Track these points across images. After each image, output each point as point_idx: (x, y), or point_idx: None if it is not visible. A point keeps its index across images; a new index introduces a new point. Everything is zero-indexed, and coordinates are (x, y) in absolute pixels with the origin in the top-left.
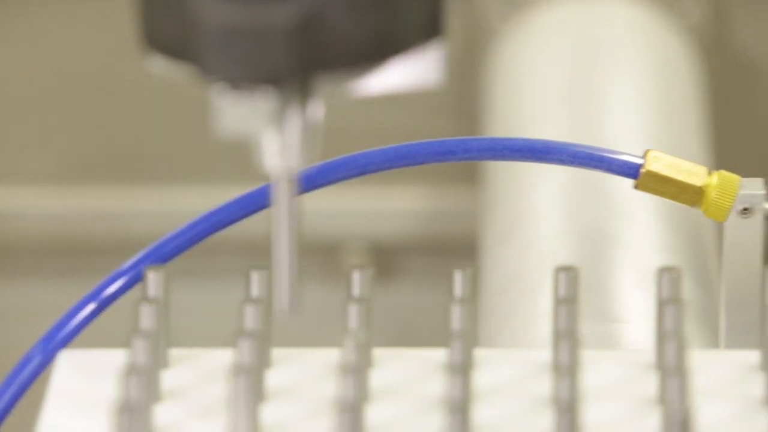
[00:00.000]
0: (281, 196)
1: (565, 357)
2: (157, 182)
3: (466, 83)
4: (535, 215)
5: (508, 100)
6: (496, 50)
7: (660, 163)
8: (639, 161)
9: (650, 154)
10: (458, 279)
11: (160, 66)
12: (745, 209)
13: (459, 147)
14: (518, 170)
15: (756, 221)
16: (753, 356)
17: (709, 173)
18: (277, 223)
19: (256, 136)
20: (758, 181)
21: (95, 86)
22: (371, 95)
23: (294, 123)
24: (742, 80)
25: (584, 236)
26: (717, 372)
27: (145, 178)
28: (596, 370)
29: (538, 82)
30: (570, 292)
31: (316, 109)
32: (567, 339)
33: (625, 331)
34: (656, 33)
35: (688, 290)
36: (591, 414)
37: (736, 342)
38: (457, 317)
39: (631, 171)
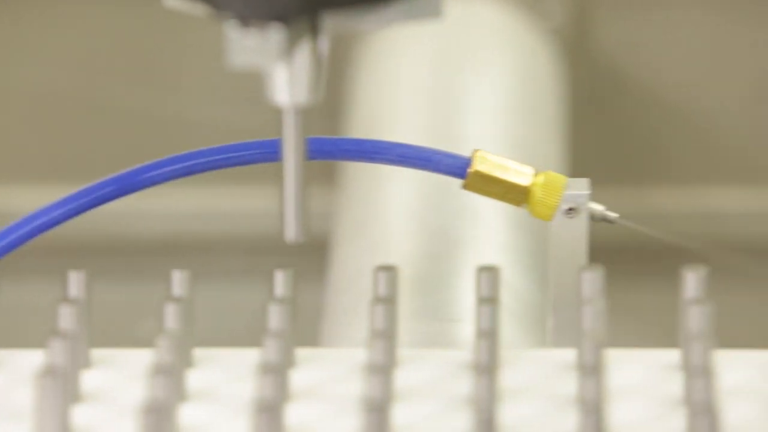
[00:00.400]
0: (289, 128)
1: (379, 356)
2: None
3: (332, 82)
4: (385, 215)
5: (369, 101)
6: (361, 50)
7: (487, 164)
8: (466, 162)
9: (477, 155)
10: (279, 279)
11: (175, 2)
12: (571, 209)
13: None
14: (373, 170)
15: (581, 221)
16: (570, 354)
17: (536, 173)
18: (286, 154)
19: (266, 69)
20: (584, 182)
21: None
22: (375, 30)
23: (302, 58)
24: (605, 81)
25: (431, 236)
26: (529, 371)
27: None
28: (412, 370)
29: (400, 83)
30: (390, 291)
31: (324, 45)
32: (382, 339)
33: (460, 330)
34: (518, 34)
35: (528, 291)
36: (402, 414)
37: (563, 341)
38: (275, 317)
39: (458, 171)
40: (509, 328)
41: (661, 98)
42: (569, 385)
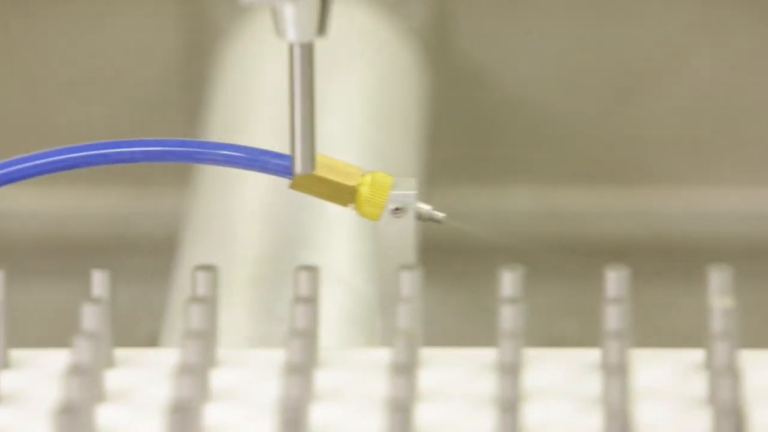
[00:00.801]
0: (297, 63)
1: (193, 356)
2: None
3: (194, 82)
4: (236, 215)
5: (228, 101)
6: (223, 50)
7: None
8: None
9: None
10: (96, 279)
11: None
12: (397, 209)
13: (113, 150)
14: (224, 169)
15: (408, 221)
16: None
17: (364, 173)
18: (294, 89)
19: (276, 7)
20: (410, 181)
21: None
22: None
23: None
24: (465, 81)
25: (278, 237)
26: (345, 372)
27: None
28: (226, 370)
29: (259, 83)
30: (209, 291)
31: None
32: (197, 338)
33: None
34: (379, 34)
35: (368, 291)
36: (213, 415)
37: (391, 340)
38: (89, 317)
39: (286, 171)
40: (345, 327)
41: (521, 98)
42: (380, 386)
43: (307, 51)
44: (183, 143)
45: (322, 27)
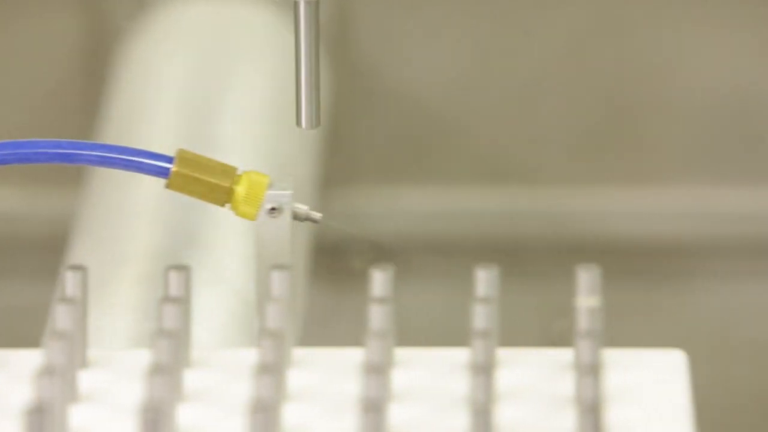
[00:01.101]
0: (302, 22)
1: (58, 356)
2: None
3: (93, 82)
4: (126, 214)
5: (126, 100)
6: (122, 49)
7: (189, 164)
8: (168, 162)
9: (180, 155)
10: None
11: None
12: (273, 209)
13: None
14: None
15: (284, 221)
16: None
17: (240, 173)
18: (298, 46)
19: None
20: (287, 181)
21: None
22: None
23: None
24: (365, 81)
25: (170, 235)
26: (211, 372)
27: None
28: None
29: (158, 84)
30: (77, 292)
31: None
32: (62, 338)
33: None
34: (277, 35)
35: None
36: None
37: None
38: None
39: (162, 171)
40: (227, 328)
41: (420, 98)
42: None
43: (313, 9)
44: (56, 144)
45: None
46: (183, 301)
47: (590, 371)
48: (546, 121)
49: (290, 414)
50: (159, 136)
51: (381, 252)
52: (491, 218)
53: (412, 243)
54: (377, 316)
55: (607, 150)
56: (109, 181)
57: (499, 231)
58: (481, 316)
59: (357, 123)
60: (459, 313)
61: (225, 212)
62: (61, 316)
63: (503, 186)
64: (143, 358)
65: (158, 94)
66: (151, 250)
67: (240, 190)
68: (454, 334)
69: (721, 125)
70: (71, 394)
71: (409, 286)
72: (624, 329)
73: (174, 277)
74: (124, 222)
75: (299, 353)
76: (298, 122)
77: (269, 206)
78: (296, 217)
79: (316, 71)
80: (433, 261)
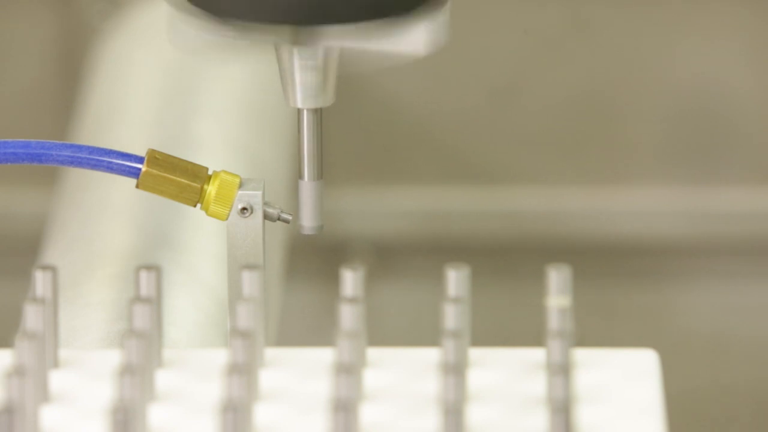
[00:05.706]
0: (305, 128)
1: (28, 357)
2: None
3: (68, 82)
4: (100, 213)
5: (100, 100)
6: (97, 49)
7: (159, 164)
8: (138, 162)
9: (151, 155)
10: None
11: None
12: (244, 209)
13: None
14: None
15: (256, 221)
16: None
17: (211, 173)
18: (302, 152)
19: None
20: (258, 182)
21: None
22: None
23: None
24: (345, 83)
25: (144, 236)
26: (183, 372)
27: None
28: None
29: (134, 82)
30: (48, 292)
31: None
32: (32, 339)
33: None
34: None
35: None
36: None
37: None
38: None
39: (132, 171)
40: (200, 327)
41: (400, 101)
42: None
43: (317, 116)
44: (25, 144)
45: (330, 93)
46: (154, 301)
47: (561, 371)
48: (523, 122)
49: (262, 413)
50: (134, 136)
51: (355, 252)
52: (465, 218)
53: (387, 242)
54: (348, 316)
55: (585, 150)
56: (83, 182)
57: (475, 231)
58: (451, 316)
59: (331, 123)
60: (435, 312)
61: (198, 212)
62: (32, 317)
63: (477, 186)
64: (115, 358)
65: (133, 94)
66: (125, 250)
67: (211, 190)
68: (430, 334)
69: (697, 125)
70: (42, 394)
71: (386, 286)
72: (596, 329)
73: (144, 276)
74: (98, 222)
75: (271, 353)
76: (302, 229)
77: (240, 206)
78: (268, 217)
79: (319, 176)
80: (407, 261)
